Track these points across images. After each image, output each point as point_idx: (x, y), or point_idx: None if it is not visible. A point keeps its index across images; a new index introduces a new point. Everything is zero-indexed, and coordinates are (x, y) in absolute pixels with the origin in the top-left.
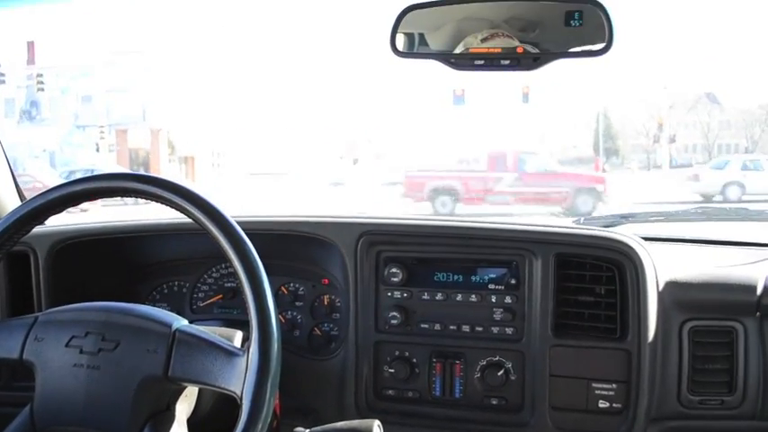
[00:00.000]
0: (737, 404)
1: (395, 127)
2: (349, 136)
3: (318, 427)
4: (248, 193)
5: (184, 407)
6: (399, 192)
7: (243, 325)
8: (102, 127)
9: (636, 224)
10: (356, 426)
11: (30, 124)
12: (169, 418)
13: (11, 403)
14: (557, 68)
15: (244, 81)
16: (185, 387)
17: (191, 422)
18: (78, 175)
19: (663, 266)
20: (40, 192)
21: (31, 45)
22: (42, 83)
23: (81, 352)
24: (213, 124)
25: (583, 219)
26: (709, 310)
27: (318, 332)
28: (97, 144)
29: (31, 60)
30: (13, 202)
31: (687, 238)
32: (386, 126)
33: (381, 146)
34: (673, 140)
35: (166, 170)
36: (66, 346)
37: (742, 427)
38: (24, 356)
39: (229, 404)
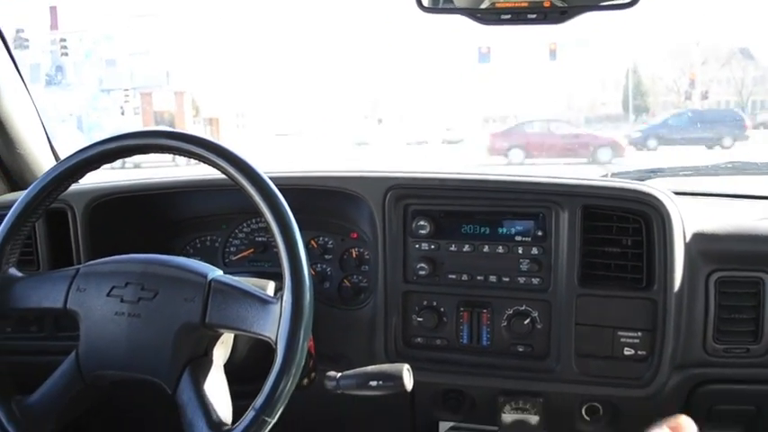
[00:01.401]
0: (763, 352)
1: (419, 86)
2: (373, 95)
3: (350, 371)
4: (274, 153)
5: (221, 352)
6: (424, 151)
7: (273, 277)
8: (126, 90)
9: (665, 178)
10: (387, 369)
11: (56, 89)
12: (207, 363)
13: (55, 352)
14: (585, 24)
15: (267, 41)
16: (221, 334)
17: (227, 367)
18: None
19: (690, 219)
20: (77, 150)
21: (53, 10)
22: (66, 47)
23: (122, 301)
24: (237, 85)
25: (611, 173)
26: (736, 261)
27: (348, 284)
28: (122, 107)
29: (54, 25)
30: (48, 162)
31: (716, 192)
32: (410, 85)
33: (406, 105)
34: (705, 97)
35: (192, 131)
36: (108, 295)
37: (766, 375)
38: (68, 306)
39: (263, 351)
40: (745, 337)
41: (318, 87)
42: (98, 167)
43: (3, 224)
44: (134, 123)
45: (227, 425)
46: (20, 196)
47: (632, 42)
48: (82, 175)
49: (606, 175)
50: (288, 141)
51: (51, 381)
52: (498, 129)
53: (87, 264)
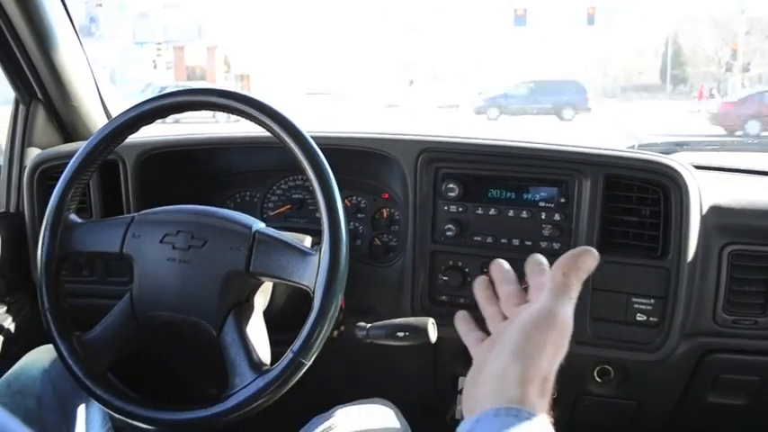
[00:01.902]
0: None
1: (452, 48)
2: (405, 56)
3: (379, 322)
4: (304, 113)
5: (261, 300)
6: (456, 115)
7: (309, 233)
8: (159, 44)
9: (690, 152)
10: (413, 321)
11: (89, 40)
12: (249, 308)
13: (105, 295)
14: None
15: None
16: (263, 282)
17: (265, 314)
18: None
19: (708, 192)
20: (132, 105)
21: None
22: (101, 4)
23: (173, 248)
24: (269, 43)
25: (638, 144)
26: (750, 235)
27: (378, 242)
28: (154, 61)
29: None
30: (99, 115)
31: (737, 167)
32: (443, 47)
33: (438, 67)
34: (746, 69)
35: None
36: (161, 242)
37: None
38: (124, 250)
39: (298, 301)
40: (754, 309)
41: (350, 47)
42: (152, 122)
43: (64, 173)
44: (166, 77)
45: (266, 365)
46: (77, 147)
47: (673, 10)
48: (137, 129)
49: (633, 146)
50: (318, 100)
51: (107, 319)
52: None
53: (142, 212)
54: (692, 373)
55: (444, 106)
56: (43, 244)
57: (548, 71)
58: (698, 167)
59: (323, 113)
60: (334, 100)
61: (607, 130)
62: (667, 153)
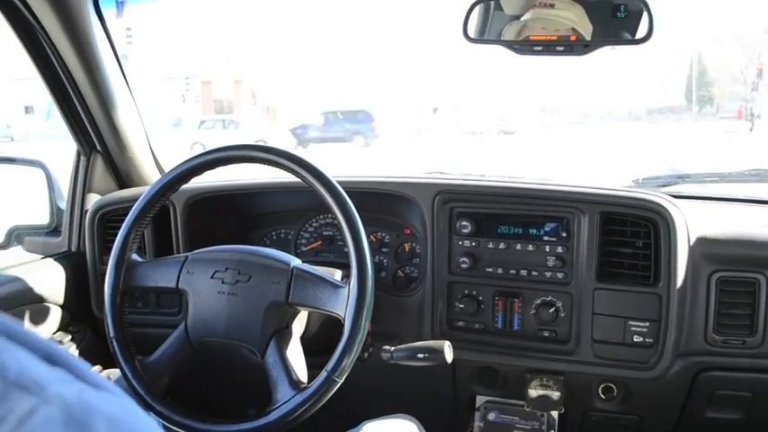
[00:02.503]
0: (758, 345)
1: (475, 75)
2: (428, 84)
3: (402, 345)
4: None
5: (298, 326)
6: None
7: (338, 266)
8: (187, 78)
9: (692, 184)
10: (431, 344)
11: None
12: (288, 334)
13: (157, 325)
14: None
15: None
16: (300, 311)
17: (302, 339)
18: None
19: (696, 224)
20: (184, 160)
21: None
22: (131, 36)
23: (223, 282)
24: (294, 74)
25: (642, 178)
26: (735, 263)
27: (401, 274)
28: (183, 95)
29: (119, 14)
30: (149, 164)
31: (737, 197)
32: (466, 74)
33: (461, 95)
34: None
35: (250, 119)
36: (211, 277)
37: (761, 365)
38: (179, 285)
39: (330, 329)
40: (742, 330)
41: (374, 77)
42: (201, 174)
43: (127, 218)
44: (194, 111)
45: (304, 383)
46: (132, 193)
47: (698, 30)
48: (188, 180)
49: (638, 180)
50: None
51: (165, 345)
52: (555, 120)
53: (194, 252)
54: (689, 390)
55: (468, 133)
56: (109, 280)
57: (567, 95)
58: (692, 198)
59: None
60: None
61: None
62: (668, 185)
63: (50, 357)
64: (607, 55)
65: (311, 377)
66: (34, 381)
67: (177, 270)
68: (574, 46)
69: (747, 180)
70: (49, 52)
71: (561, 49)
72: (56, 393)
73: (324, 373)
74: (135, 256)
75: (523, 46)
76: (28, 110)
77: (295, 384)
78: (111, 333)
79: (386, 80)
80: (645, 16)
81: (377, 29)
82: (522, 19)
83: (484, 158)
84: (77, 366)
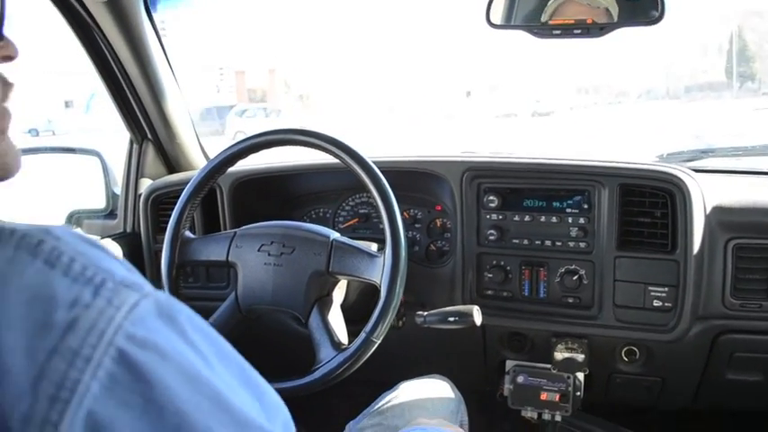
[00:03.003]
0: None
1: (509, 56)
2: (462, 67)
3: (434, 310)
4: (365, 128)
5: (338, 294)
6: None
7: (374, 242)
8: (221, 68)
9: (715, 158)
10: (461, 308)
11: None
12: (329, 301)
13: (206, 298)
14: None
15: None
16: (339, 280)
17: (342, 307)
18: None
19: (711, 194)
20: (230, 144)
21: None
22: (164, 29)
23: (269, 255)
24: (327, 61)
25: (666, 153)
26: (751, 230)
27: (433, 247)
28: (217, 85)
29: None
30: (195, 150)
31: (757, 170)
32: (499, 55)
33: (496, 77)
34: None
35: (284, 107)
36: (258, 251)
37: None
38: (229, 259)
39: (367, 298)
40: (759, 294)
41: (407, 61)
42: (246, 157)
43: (180, 199)
44: (229, 100)
45: (344, 344)
46: (182, 177)
47: (737, 4)
48: (234, 164)
49: (662, 155)
50: (378, 115)
51: (218, 312)
52: (591, 100)
53: (242, 228)
54: (708, 353)
55: (501, 116)
56: (165, 255)
57: (604, 74)
58: (714, 171)
59: (383, 127)
60: (392, 113)
61: None
62: (693, 160)
63: (129, 269)
64: (644, 32)
65: (351, 341)
66: (134, 282)
67: (227, 244)
68: (590, 28)
69: None
70: (105, 50)
71: (578, 31)
72: (151, 292)
73: (363, 335)
74: (188, 233)
75: (543, 30)
76: (68, 104)
77: (336, 345)
78: None
79: (418, 65)
80: None
81: (409, 12)
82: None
83: (516, 141)
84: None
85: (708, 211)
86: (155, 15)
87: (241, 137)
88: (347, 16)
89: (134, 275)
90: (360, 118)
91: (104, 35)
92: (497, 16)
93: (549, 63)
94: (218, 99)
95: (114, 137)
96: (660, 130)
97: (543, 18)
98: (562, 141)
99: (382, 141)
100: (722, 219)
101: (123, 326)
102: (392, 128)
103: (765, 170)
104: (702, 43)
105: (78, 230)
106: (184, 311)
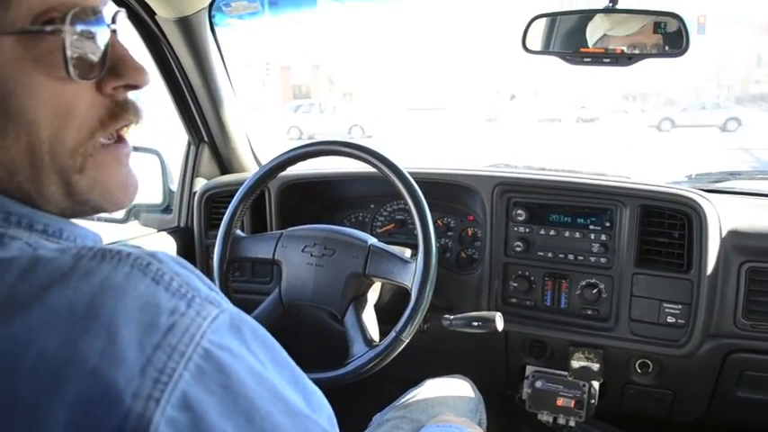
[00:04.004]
0: None
1: (555, 61)
2: (507, 69)
3: (460, 315)
4: (406, 130)
5: (373, 295)
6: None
7: (409, 246)
8: (267, 63)
9: (742, 180)
10: (484, 314)
11: None
12: (364, 301)
13: (251, 292)
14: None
15: (401, 16)
16: (374, 282)
17: (376, 307)
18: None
19: (728, 217)
20: (282, 152)
21: None
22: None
23: (311, 255)
24: (371, 59)
25: (695, 174)
26: (763, 254)
27: (464, 255)
28: (263, 81)
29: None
30: (247, 154)
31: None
32: (546, 59)
33: (538, 81)
34: None
35: (328, 103)
36: (302, 251)
37: None
38: (276, 257)
39: (399, 300)
40: None
41: (451, 61)
42: (295, 164)
43: (233, 200)
44: (274, 95)
45: (376, 341)
46: (234, 178)
47: None
48: (285, 169)
49: (691, 175)
50: (419, 116)
51: (263, 306)
52: (638, 107)
53: (288, 229)
54: (719, 370)
55: (545, 120)
56: (218, 250)
57: (655, 82)
58: (738, 193)
59: (424, 129)
60: (434, 115)
61: None
62: (720, 181)
63: (211, 287)
64: (693, 37)
65: (382, 339)
66: (215, 299)
67: (274, 244)
68: (619, 58)
69: None
70: (171, 61)
71: (608, 60)
72: (227, 308)
73: (392, 333)
74: (239, 232)
75: (575, 57)
76: None
77: (368, 342)
78: None
79: (463, 66)
80: (682, 32)
81: (455, 15)
82: (604, 27)
83: (558, 147)
84: (223, 295)
85: (723, 235)
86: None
87: (295, 132)
88: (394, 16)
89: (214, 293)
90: (401, 118)
91: (172, 48)
92: (535, 41)
93: (596, 69)
94: (264, 94)
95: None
96: (705, 142)
97: (591, 41)
98: (604, 149)
99: (426, 143)
100: (737, 242)
101: (207, 332)
102: (436, 131)
103: None
104: (757, 54)
105: (175, 256)
106: (249, 324)
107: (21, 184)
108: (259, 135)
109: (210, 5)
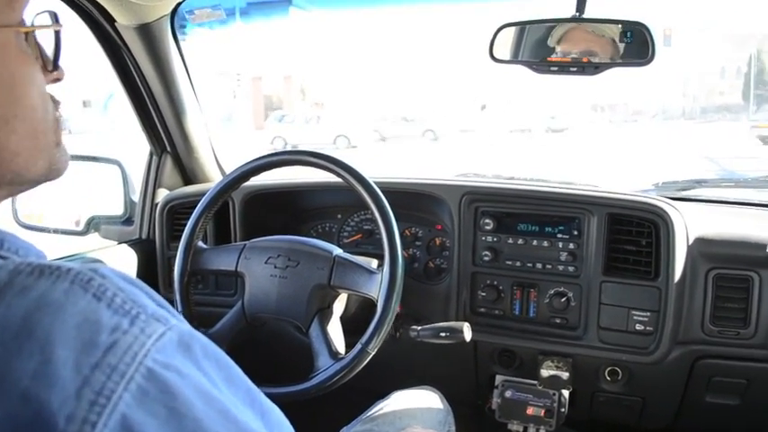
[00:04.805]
0: (750, 336)
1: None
2: (476, 81)
3: (427, 325)
4: (375, 140)
5: (339, 306)
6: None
7: (376, 257)
8: (238, 74)
9: (708, 188)
10: (452, 325)
11: None
12: (329, 313)
13: (214, 304)
14: (703, 9)
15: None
16: (340, 293)
17: (342, 319)
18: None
19: (696, 225)
20: (245, 162)
21: None
22: (185, 33)
23: (275, 267)
24: (343, 70)
25: (661, 182)
26: (730, 261)
27: (432, 265)
28: (234, 91)
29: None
30: (211, 164)
31: (747, 201)
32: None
33: (511, 90)
34: None
35: (300, 114)
36: (265, 263)
37: (754, 354)
38: (238, 269)
39: (366, 311)
40: (736, 322)
41: (422, 73)
42: (258, 174)
43: (195, 211)
44: (246, 107)
45: (341, 354)
46: (197, 189)
47: (756, 28)
48: (248, 179)
49: (658, 183)
50: (391, 127)
51: (225, 319)
52: (606, 118)
53: (251, 241)
54: (688, 376)
55: (516, 130)
56: (179, 262)
57: (623, 93)
58: (705, 201)
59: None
60: (406, 126)
61: None
62: (686, 189)
63: (160, 303)
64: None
65: (348, 351)
66: (162, 316)
67: (237, 256)
68: (585, 67)
69: (761, 186)
70: (132, 69)
71: (574, 69)
72: (175, 325)
73: (358, 346)
74: (200, 243)
75: (541, 66)
76: (86, 104)
77: (334, 355)
78: (180, 308)
79: (434, 78)
80: (648, 41)
81: (424, 25)
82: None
83: (529, 157)
84: (175, 312)
85: (690, 242)
86: (180, 37)
87: (279, 142)
88: (364, 26)
89: (162, 310)
90: (370, 130)
91: (132, 56)
92: (502, 50)
93: (565, 80)
94: (235, 106)
95: (129, 138)
96: (673, 150)
97: (549, 43)
98: (573, 158)
99: (395, 154)
100: (703, 250)
101: (151, 351)
102: (406, 142)
103: (753, 201)
104: (721, 65)
105: (119, 270)
106: (200, 342)
107: (18, 165)
108: (232, 146)
109: (173, 13)
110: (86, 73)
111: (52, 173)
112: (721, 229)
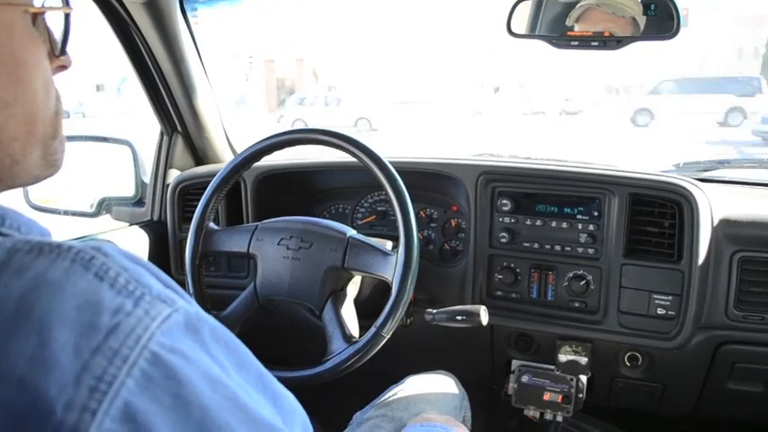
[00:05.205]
0: None
1: (538, 52)
2: (490, 62)
3: (443, 308)
4: (392, 122)
5: (353, 289)
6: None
7: (390, 238)
8: (250, 57)
9: (731, 169)
10: (468, 308)
11: None
12: (343, 295)
13: (226, 287)
14: None
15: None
16: (354, 276)
17: (356, 302)
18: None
19: (719, 206)
20: (256, 141)
21: None
22: (197, 16)
23: (287, 248)
24: (356, 53)
25: (682, 163)
26: (756, 244)
27: (447, 247)
28: (246, 74)
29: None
30: (223, 144)
31: (763, 181)
32: (529, 51)
33: (524, 73)
34: None
35: (320, 96)
36: (278, 244)
37: None
38: (250, 250)
39: (380, 294)
40: (762, 307)
41: (436, 55)
42: (270, 154)
43: (206, 192)
44: (258, 89)
45: (355, 337)
46: (208, 169)
47: None
48: (260, 159)
49: (679, 164)
50: (404, 109)
51: (237, 302)
52: (622, 99)
53: (263, 222)
54: (710, 362)
55: (529, 113)
56: (190, 244)
57: (639, 74)
58: (727, 182)
59: (409, 122)
60: (419, 108)
61: None
62: (708, 170)
63: (167, 284)
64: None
65: (362, 334)
66: (168, 297)
67: (248, 237)
68: (607, 41)
69: None
70: (141, 47)
71: (596, 44)
72: (181, 306)
73: (373, 329)
74: (212, 225)
75: (561, 41)
76: (99, 88)
77: (347, 338)
78: (191, 290)
79: (447, 59)
80: (673, 14)
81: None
82: (587, 2)
83: (543, 140)
84: (183, 292)
85: (715, 224)
86: (189, 14)
87: (300, 125)
88: (378, 8)
89: (168, 290)
90: (385, 112)
91: (141, 33)
92: (520, 25)
93: (580, 61)
94: (248, 89)
95: (144, 121)
96: (690, 133)
97: (568, 23)
98: (587, 141)
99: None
100: (729, 231)
101: (155, 334)
102: (420, 123)
103: None
104: (738, 46)
105: (123, 248)
106: (208, 325)
107: (14, 150)
108: (245, 128)
109: None
110: (99, 57)
111: (48, 165)
112: (747, 210)
